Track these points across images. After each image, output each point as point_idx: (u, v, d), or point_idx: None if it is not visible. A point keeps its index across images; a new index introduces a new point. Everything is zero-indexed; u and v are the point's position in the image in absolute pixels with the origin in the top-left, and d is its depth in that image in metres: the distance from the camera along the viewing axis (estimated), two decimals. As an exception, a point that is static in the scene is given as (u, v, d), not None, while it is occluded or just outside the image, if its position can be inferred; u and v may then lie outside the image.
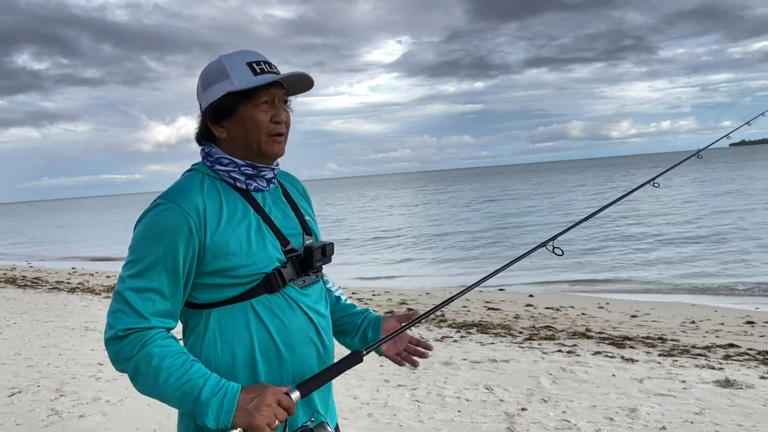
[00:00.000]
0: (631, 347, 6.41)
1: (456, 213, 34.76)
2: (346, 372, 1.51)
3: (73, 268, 18.71)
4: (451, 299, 1.73)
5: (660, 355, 6.05)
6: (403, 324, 1.65)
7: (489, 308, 9.44)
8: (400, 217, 34.84)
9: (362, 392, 4.99)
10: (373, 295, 11.24)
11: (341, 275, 14.24)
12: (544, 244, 1.95)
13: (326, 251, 1.60)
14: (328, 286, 1.82)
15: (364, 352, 1.50)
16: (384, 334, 1.70)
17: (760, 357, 5.92)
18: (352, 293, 11.31)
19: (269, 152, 1.53)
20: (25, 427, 4.40)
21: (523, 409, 4.49)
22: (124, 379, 4.79)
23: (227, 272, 1.43)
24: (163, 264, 1.40)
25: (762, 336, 7.05)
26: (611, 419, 4.23)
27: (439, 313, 8.69)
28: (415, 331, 7.22)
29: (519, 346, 6.58)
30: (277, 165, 1.61)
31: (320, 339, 1.55)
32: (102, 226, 47.24)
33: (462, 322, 8.21)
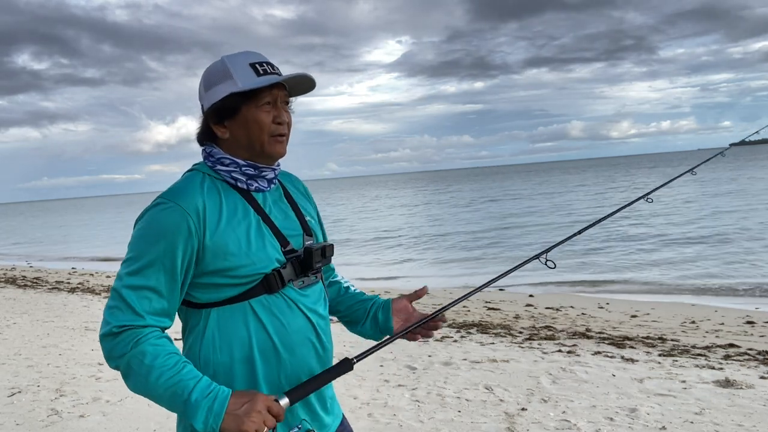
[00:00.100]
0: (631, 347, 6.41)
1: (456, 213, 34.74)
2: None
3: (73, 268, 18.71)
4: (455, 302, 1.82)
5: (660, 355, 6.05)
6: (408, 327, 1.68)
7: (489, 308, 9.44)
8: (400, 218, 34.83)
9: (362, 392, 4.99)
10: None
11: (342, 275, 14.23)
12: (537, 257, 1.99)
13: (326, 252, 1.61)
14: (336, 278, 1.85)
15: (355, 360, 1.50)
16: (394, 315, 1.74)
17: (760, 357, 5.92)
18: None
19: (271, 152, 1.54)
20: (25, 427, 4.40)
21: (523, 409, 4.49)
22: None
23: (226, 272, 1.44)
24: (161, 263, 1.40)
25: (762, 336, 7.05)
26: (611, 419, 4.23)
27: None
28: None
29: (519, 346, 6.58)
30: (278, 165, 1.61)
31: (319, 340, 1.55)
32: (102, 226, 47.24)
33: (462, 322, 8.21)
